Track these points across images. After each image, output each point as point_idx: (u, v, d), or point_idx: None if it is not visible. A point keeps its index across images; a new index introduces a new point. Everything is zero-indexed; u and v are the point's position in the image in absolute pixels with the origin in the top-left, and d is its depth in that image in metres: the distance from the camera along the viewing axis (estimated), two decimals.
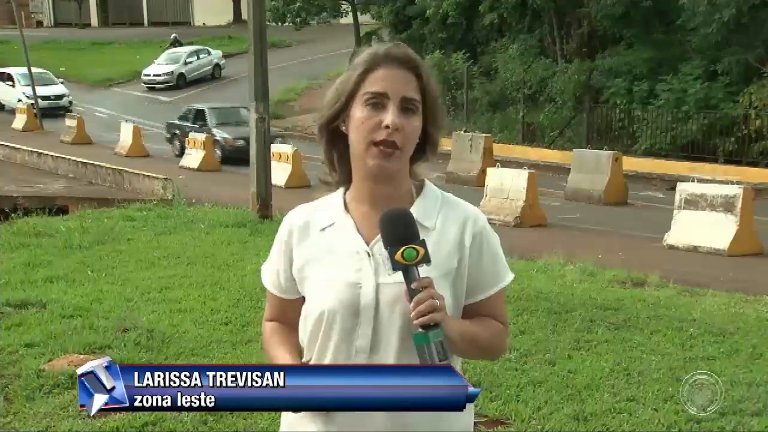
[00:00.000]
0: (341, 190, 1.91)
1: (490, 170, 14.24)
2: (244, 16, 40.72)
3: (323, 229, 1.88)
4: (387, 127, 1.77)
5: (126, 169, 17.80)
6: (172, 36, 39.44)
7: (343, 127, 1.84)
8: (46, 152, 20.86)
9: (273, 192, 12.62)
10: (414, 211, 1.83)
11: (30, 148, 21.59)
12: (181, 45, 39.04)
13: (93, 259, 9.18)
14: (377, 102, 1.79)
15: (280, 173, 16.55)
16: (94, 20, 59.39)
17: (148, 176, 16.54)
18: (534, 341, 6.11)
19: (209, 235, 10.68)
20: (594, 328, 6.53)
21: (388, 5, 30.73)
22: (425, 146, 1.88)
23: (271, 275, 1.97)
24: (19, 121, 28.57)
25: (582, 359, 5.76)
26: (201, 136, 20.74)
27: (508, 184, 13.46)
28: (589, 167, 16.09)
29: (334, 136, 1.87)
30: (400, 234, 1.72)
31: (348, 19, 36.67)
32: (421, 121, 1.83)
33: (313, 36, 39.54)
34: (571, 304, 7.29)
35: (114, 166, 18.26)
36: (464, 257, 1.85)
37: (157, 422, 4.41)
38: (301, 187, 17.08)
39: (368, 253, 1.81)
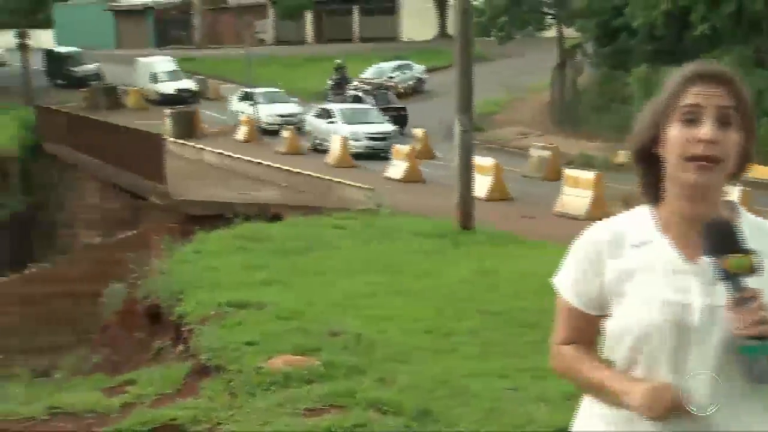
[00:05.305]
0: (645, 208, 1.88)
1: None
2: (449, 30, 41.31)
3: (637, 246, 1.83)
4: (702, 141, 1.73)
5: (334, 179, 18.62)
6: (336, 62, 38.07)
7: (660, 150, 1.81)
8: (262, 162, 22.24)
9: (474, 204, 12.76)
10: None
11: (249, 158, 23.09)
12: (345, 71, 37.44)
13: (304, 264, 9.71)
14: (692, 117, 1.76)
15: (481, 186, 16.64)
16: (310, 37, 62.39)
17: (354, 186, 17.20)
18: None
19: (411, 245, 10.97)
20: None
21: (593, 18, 30.06)
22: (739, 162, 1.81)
23: (576, 290, 1.89)
24: (241, 133, 30.60)
25: None
26: (405, 148, 21.29)
27: None
28: None
29: (650, 160, 1.84)
30: (727, 242, 1.67)
31: (550, 33, 36.22)
32: (740, 135, 1.77)
33: (513, 50, 39.33)
34: None
35: (323, 176, 19.16)
36: None
37: (367, 424, 4.60)
38: (503, 200, 17.08)
39: (692, 273, 1.77)
